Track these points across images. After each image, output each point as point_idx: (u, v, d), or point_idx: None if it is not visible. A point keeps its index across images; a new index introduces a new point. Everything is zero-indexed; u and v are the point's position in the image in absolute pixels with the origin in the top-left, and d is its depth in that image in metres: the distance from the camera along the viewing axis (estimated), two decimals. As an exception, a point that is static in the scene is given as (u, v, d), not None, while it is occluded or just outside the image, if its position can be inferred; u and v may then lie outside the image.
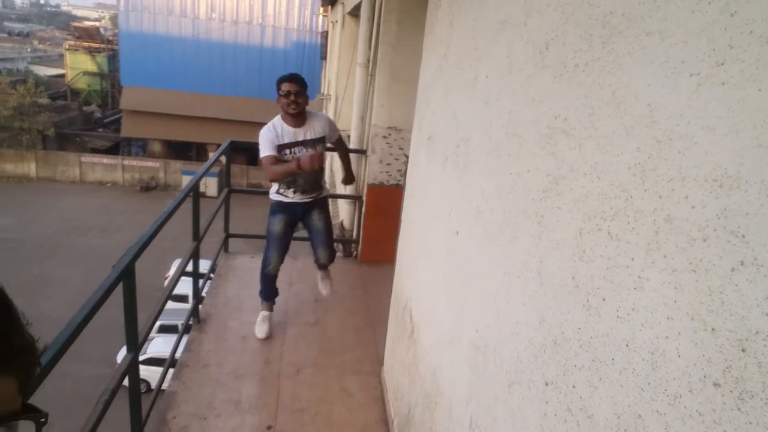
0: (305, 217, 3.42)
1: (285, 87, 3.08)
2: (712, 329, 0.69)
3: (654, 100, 0.84)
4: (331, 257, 3.58)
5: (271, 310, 3.54)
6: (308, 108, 3.22)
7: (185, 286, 3.95)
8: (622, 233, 0.89)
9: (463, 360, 1.67)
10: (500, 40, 1.52)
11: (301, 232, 3.61)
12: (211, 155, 4.07)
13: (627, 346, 0.86)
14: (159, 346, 11.27)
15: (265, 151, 3.11)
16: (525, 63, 1.33)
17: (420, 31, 4.00)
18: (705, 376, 0.69)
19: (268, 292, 3.51)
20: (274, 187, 3.34)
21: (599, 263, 0.95)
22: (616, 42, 0.94)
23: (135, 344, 2.21)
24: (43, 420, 0.56)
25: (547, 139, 1.19)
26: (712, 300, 0.69)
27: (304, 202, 3.36)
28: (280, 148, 3.14)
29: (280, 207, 3.36)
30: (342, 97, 8.63)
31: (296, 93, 3.08)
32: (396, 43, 4.13)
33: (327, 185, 3.60)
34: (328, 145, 3.43)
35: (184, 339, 3.28)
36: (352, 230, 4.94)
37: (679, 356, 0.74)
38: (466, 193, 1.75)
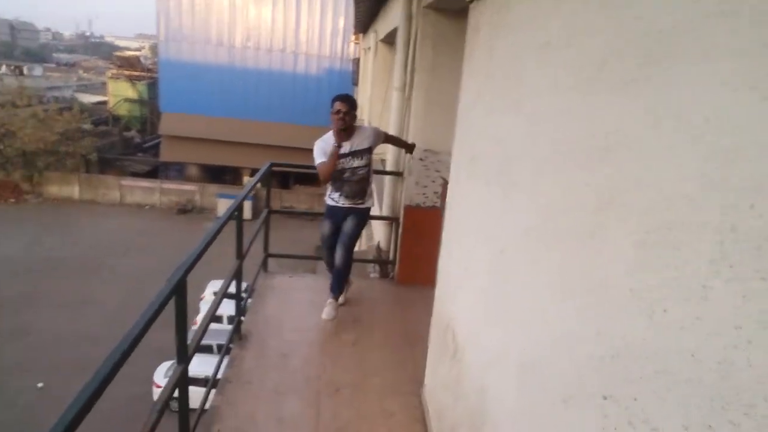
0: (343, 221, 3.88)
1: (336, 106, 3.62)
2: (786, 336, 0.69)
3: (718, 113, 0.85)
4: (346, 257, 3.83)
5: (336, 299, 3.89)
6: (357, 123, 3.76)
7: (220, 307, 4.04)
8: (684, 244, 0.90)
9: (512, 378, 1.66)
10: (545, 61, 1.55)
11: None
12: (246, 179, 4.46)
13: (692, 356, 0.86)
14: (193, 365, 11.38)
15: (318, 158, 3.69)
16: (574, 81, 1.36)
17: (455, 55, 4.10)
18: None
19: (336, 283, 3.88)
20: (328, 191, 3.93)
21: (660, 274, 0.96)
22: (678, 54, 0.97)
23: (185, 356, 2.27)
24: None
25: (602, 153, 1.21)
26: (785, 307, 0.70)
27: (347, 207, 3.86)
28: None
29: (329, 211, 3.93)
30: (378, 122, 8.76)
31: (345, 112, 3.61)
32: (432, 68, 4.21)
33: (374, 200, 4.07)
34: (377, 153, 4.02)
35: (225, 358, 3.34)
36: (389, 251, 4.97)
37: (750, 365, 0.74)
38: (512, 211, 1.77)
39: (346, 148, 3.70)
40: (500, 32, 2.01)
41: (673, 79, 0.97)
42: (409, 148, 4.35)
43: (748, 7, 0.81)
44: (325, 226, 3.96)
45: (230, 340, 3.47)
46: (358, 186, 3.81)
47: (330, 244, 3.94)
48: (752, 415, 0.74)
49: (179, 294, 2.14)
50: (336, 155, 3.64)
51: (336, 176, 3.77)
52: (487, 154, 2.08)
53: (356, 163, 3.74)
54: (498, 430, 1.75)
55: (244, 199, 3.25)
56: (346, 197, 3.84)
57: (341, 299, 4.01)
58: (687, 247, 0.90)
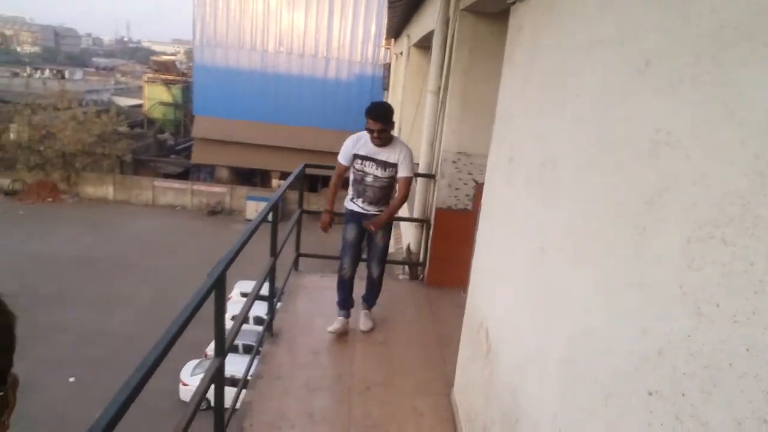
0: (370, 231, 3.66)
1: (369, 124, 3.43)
2: None
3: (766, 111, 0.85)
4: (381, 274, 3.78)
5: (346, 317, 3.77)
6: (395, 135, 3.58)
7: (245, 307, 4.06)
8: (738, 239, 0.90)
9: (550, 377, 1.66)
10: (591, 60, 1.56)
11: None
12: (275, 182, 4.42)
13: (747, 350, 0.86)
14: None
15: (340, 157, 3.62)
16: (621, 80, 1.36)
17: (492, 59, 4.11)
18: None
19: (343, 297, 3.76)
20: (348, 195, 3.74)
21: (711, 270, 0.96)
22: (727, 55, 0.97)
23: (222, 350, 2.32)
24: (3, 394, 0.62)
25: (648, 152, 1.21)
26: None
27: (372, 215, 3.64)
28: (355, 156, 3.57)
29: (352, 216, 3.71)
30: (410, 125, 8.79)
31: (379, 131, 3.42)
32: (468, 71, 4.22)
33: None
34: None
35: (257, 358, 3.39)
36: (419, 253, 4.98)
37: (809, 357, 0.74)
38: (554, 210, 1.77)
39: (376, 154, 3.53)
40: (544, 33, 2.02)
41: (725, 78, 0.97)
42: (385, 215, 3.66)
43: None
44: (351, 231, 3.70)
45: (262, 337, 3.53)
46: (382, 193, 3.63)
47: (355, 251, 3.73)
48: (810, 407, 0.73)
49: (219, 288, 2.19)
50: (323, 220, 3.68)
51: (357, 179, 3.62)
52: (528, 154, 2.08)
53: (380, 173, 3.56)
54: (536, 429, 1.74)
55: (282, 193, 3.30)
56: (370, 203, 3.65)
57: (372, 324, 3.83)
58: (740, 242, 0.89)
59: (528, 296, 1.95)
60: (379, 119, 3.40)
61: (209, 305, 2.11)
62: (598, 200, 1.44)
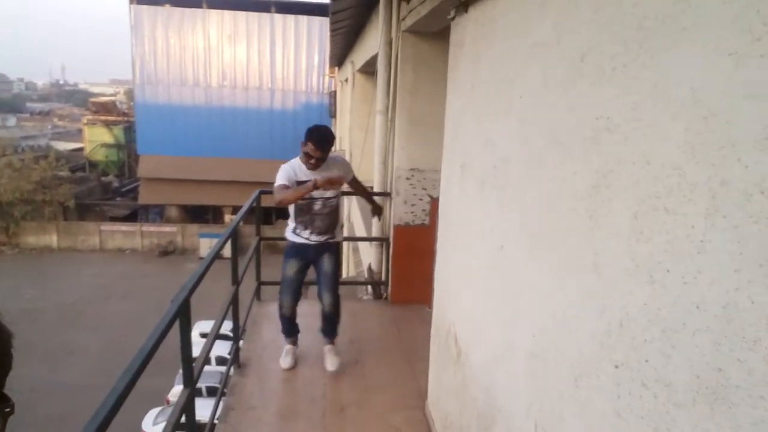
0: (316, 260, 3.49)
1: (310, 150, 3.19)
2: (781, 270, 0.76)
3: (696, 84, 0.94)
4: (335, 303, 3.49)
5: (294, 344, 3.64)
6: (330, 159, 3.33)
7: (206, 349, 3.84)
8: (678, 206, 0.97)
9: (520, 369, 1.71)
10: (532, 61, 1.65)
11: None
12: (228, 217, 4.20)
13: (697, 308, 0.92)
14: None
15: (280, 180, 3.21)
16: (561, 77, 1.45)
17: (435, 75, 4.25)
18: (780, 314, 0.76)
19: (288, 329, 3.60)
20: (290, 226, 3.47)
21: (658, 239, 1.03)
22: (652, 40, 1.06)
23: (191, 380, 2.26)
24: (8, 410, 0.57)
25: (590, 140, 1.29)
26: (778, 244, 0.76)
27: (318, 244, 3.44)
28: (299, 183, 3.22)
29: (294, 250, 3.48)
30: (360, 148, 8.88)
31: (318, 159, 3.21)
32: (413, 89, 4.34)
33: (343, 232, 3.65)
34: (344, 188, 3.58)
35: (223, 395, 3.30)
36: (381, 272, 5.00)
37: (752, 303, 0.81)
38: (508, 208, 1.84)
39: (314, 177, 3.18)
40: (485, 43, 2.12)
41: (651, 62, 1.06)
42: (377, 207, 3.96)
43: (716, -14, 0.90)
44: (291, 267, 3.48)
45: (229, 369, 3.43)
46: (330, 219, 3.43)
47: (296, 287, 3.51)
48: (757, 349, 0.80)
49: (184, 315, 2.15)
50: (308, 190, 3.12)
51: (304, 209, 3.39)
52: (479, 158, 2.16)
53: (329, 192, 3.36)
54: (511, 423, 1.78)
55: (239, 221, 3.27)
56: (319, 233, 3.42)
57: (339, 360, 3.55)
58: (680, 209, 0.97)
59: (492, 294, 2.00)
60: (323, 146, 3.21)
61: (169, 347, 2.02)
62: (550, 192, 1.52)
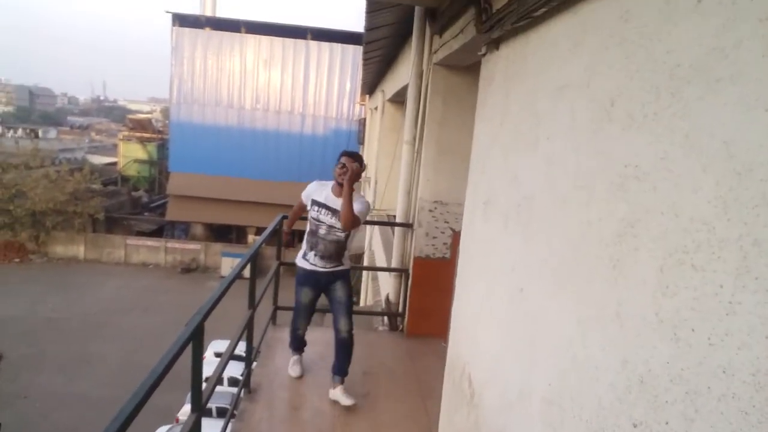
0: (328, 288, 3.57)
1: (342, 159, 3.44)
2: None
3: (730, 137, 0.91)
4: (351, 329, 3.52)
5: (300, 354, 3.87)
6: (356, 191, 3.39)
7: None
8: (707, 263, 0.93)
9: (535, 415, 1.64)
10: (561, 102, 1.63)
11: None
12: (251, 237, 4.39)
13: (724, 372, 0.87)
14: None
15: (302, 194, 3.65)
16: (590, 120, 1.43)
17: (464, 108, 4.26)
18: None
19: (297, 346, 3.86)
20: (301, 250, 3.61)
21: (684, 295, 0.99)
22: (685, 90, 1.04)
23: (199, 405, 2.24)
24: None
25: (618, 186, 1.26)
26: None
27: (327, 272, 3.52)
28: (313, 201, 3.53)
29: (305, 278, 3.58)
30: (386, 176, 8.91)
31: (351, 171, 3.31)
32: (442, 121, 4.35)
33: (350, 261, 3.67)
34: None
35: (232, 419, 3.27)
36: (398, 303, 4.95)
37: (784, 372, 0.76)
38: (531, 248, 1.80)
39: (333, 203, 3.42)
40: (515, 80, 2.12)
41: (684, 111, 1.04)
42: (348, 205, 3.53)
43: (746, 38, 0.88)
44: (305, 295, 3.59)
45: (239, 394, 3.41)
46: (333, 247, 3.47)
47: (309, 313, 3.67)
48: (789, 422, 0.74)
49: (196, 340, 2.14)
50: (287, 226, 4.05)
51: (312, 230, 3.50)
52: (504, 195, 2.13)
53: (334, 221, 3.42)
54: (522, 474, 1.71)
55: (261, 244, 3.28)
56: (321, 257, 3.47)
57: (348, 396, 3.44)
58: (709, 266, 0.93)
59: (510, 335, 1.95)
60: (354, 156, 3.45)
61: (183, 364, 2.02)
62: (574, 235, 1.48)
